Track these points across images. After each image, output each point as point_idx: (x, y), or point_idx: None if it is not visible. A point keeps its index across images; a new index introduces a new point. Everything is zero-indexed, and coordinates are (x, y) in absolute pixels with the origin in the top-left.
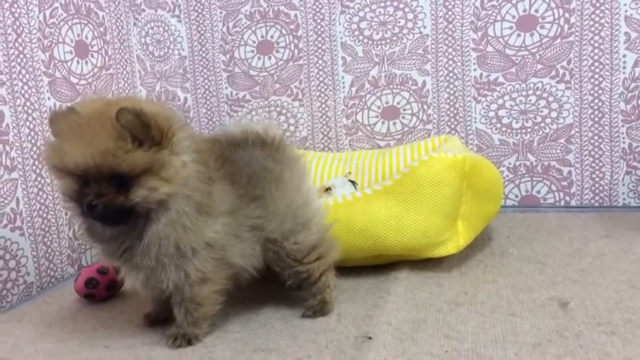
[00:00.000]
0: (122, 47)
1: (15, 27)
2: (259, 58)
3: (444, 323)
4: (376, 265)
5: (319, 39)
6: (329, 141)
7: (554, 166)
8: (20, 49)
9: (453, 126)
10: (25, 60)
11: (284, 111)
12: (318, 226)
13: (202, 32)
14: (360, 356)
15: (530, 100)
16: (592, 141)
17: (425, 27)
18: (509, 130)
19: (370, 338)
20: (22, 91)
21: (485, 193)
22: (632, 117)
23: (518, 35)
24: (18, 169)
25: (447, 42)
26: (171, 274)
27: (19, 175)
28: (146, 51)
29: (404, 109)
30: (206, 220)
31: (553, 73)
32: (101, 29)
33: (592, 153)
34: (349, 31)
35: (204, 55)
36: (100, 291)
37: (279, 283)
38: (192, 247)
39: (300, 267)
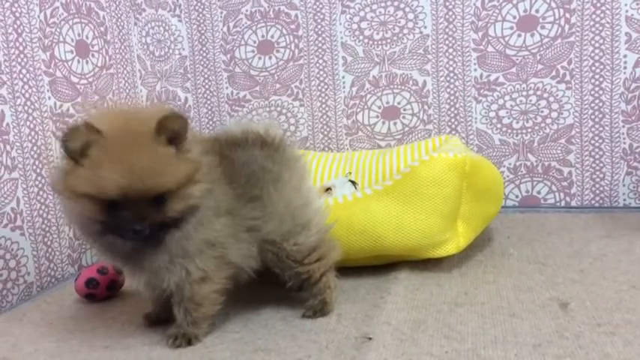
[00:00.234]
0: (123, 47)
1: (16, 26)
2: (260, 58)
3: (444, 324)
4: (376, 266)
5: (320, 39)
6: (329, 141)
7: (554, 167)
8: (21, 48)
9: (453, 126)
10: (25, 59)
11: (284, 111)
12: (318, 226)
13: (203, 32)
14: (360, 356)
15: (530, 101)
16: (592, 141)
17: (425, 27)
18: (509, 131)
19: (370, 339)
20: (23, 91)
21: (486, 193)
22: (633, 117)
23: (519, 35)
24: (18, 168)
25: (447, 42)
26: (174, 274)
27: (19, 175)
28: (147, 51)
29: (404, 109)
30: (210, 218)
31: (553, 73)
32: (102, 29)
33: (592, 153)
34: (350, 31)
35: (204, 54)
36: (100, 291)
37: (280, 283)
38: (197, 246)
39: (301, 268)
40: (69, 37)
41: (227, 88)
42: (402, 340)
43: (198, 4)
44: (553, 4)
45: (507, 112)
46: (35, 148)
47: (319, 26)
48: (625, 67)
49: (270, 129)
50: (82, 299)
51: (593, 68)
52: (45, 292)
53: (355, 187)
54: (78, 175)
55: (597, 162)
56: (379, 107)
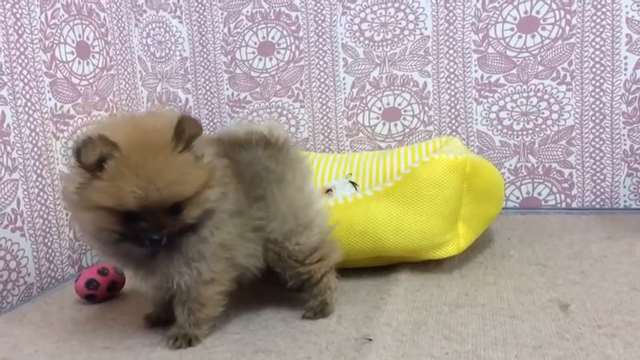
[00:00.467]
0: (123, 48)
1: (16, 27)
2: (260, 60)
3: (445, 325)
4: (376, 267)
5: (320, 40)
6: (330, 142)
7: (555, 168)
8: (22, 49)
9: (454, 127)
10: (26, 60)
11: (285, 112)
12: (320, 227)
13: (203, 33)
14: (361, 358)
15: (531, 102)
16: (593, 143)
17: (426, 28)
18: (510, 132)
19: (370, 340)
20: (24, 92)
21: (486, 194)
22: (634, 119)
23: (520, 37)
24: (19, 169)
25: (448, 43)
26: (186, 276)
27: (19, 176)
28: (147, 52)
29: (405, 111)
30: (225, 222)
31: (554, 74)
32: (102, 30)
33: (593, 155)
34: (350, 33)
35: (205, 56)
36: (100, 292)
37: (280, 284)
38: (213, 249)
39: (302, 268)
40: (70, 39)
41: (228, 89)
42: (402, 341)
43: (199, 6)
44: (554, 6)
45: (508, 114)
46: (36, 149)
47: (320, 27)
48: (625, 69)
49: (274, 130)
50: (82, 300)
51: (594, 70)
52: (45, 293)
53: (356, 189)
54: (95, 187)
55: (598, 163)
56: (380, 108)
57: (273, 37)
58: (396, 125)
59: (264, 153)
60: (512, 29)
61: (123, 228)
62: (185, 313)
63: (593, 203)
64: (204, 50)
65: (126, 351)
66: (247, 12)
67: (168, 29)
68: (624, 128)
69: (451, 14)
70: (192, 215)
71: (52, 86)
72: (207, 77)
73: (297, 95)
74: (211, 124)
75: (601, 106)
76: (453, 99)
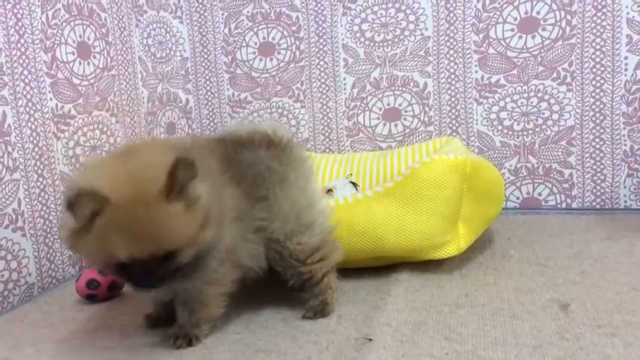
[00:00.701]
0: (124, 48)
1: (17, 28)
2: (261, 60)
3: (445, 325)
4: (377, 267)
5: (321, 40)
6: (330, 142)
7: (555, 169)
8: (22, 49)
9: (454, 128)
10: (27, 61)
11: (285, 112)
12: (322, 227)
13: (204, 34)
14: (361, 358)
15: (531, 102)
16: (593, 143)
17: (426, 29)
18: (510, 132)
19: (370, 340)
20: (25, 92)
21: (487, 195)
22: (634, 119)
23: (520, 37)
24: (20, 169)
25: (448, 44)
26: (194, 280)
27: (20, 176)
28: (148, 52)
29: (405, 111)
30: (229, 229)
31: (554, 75)
32: (103, 30)
33: (593, 155)
34: (351, 33)
35: (205, 56)
36: (101, 292)
37: (281, 284)
38: (218, 255)
39: (303, 268)
40: (70, 39)
41: (228, 89)
42: (402, 341)
43: (200, 6)
44: (554, 6)
45: (508, 114)
46: (37, 150)
47: (320, 28)
48: (626, 69)
49: (277, 130)
50: (83, 300)
51: (594, 70)
52: (46, 293)
53: (356, 189)
54: (86, 241)
55: (598, 164)
56: (380, 109)
57: (273, 38)
58: (396, 125)
59: (266, 153)
60: (512, 30)
61: (115, 273)
62: (186, 313)
63: (594, 204)
64: (205, 50)
65: (127, 351)
66: (248, 12)
67: (168, 30)
68: (624, 129)
69: (451, 15)
70: (186, 259)
71: (53, 86)
72: (207, 77)
73: (297, 95)
74: (212, 124)
75: (601, 106)
76: (453, 99)
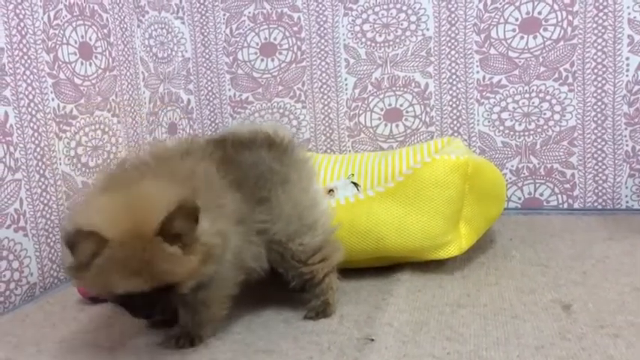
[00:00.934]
0: (126, 49)
1: (19, 28)
2: (262, 60)
3: (446, 325)
4: (378, 267)
5: (322, 41)
6: (332, 143)
7: (557, 169)
8: (25, 50)
9: (455, 128)
10: (29, 61)
11: (287, 113)
12: (323, 227)
13: (206, 34)
14: (362, 358)
15: (533, 103)
16: (595, 144)
17: (428, 29)
18: (512, 133)
19: (372, 340)
20: (27, 92)
21: (488, 195)
22: (635, 120)
23: (522, 38)
24: (22, 169)
25: (449, 44)
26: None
27: (22, 176)
28: (150, 52)
29: (407, 112)
30: (231, 235)
31: (556, 75)
32: (105, 31)
33: (595, 156)
34: (352, 33)
35: (207, 56)
36: None
37: (282, 284)
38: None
39: (305, 268)
40: (72, 39)
41: (230, 90)
42: (404, 341)
43: (201, 7)
44: (555, 7)
45: (510, 115)
46: (39, 150)
47: (322, 28)
48: (627, 70)
49: (279, 130)
50: (84, 300)
51: (596, 70)
52: (48, 293)
53: (357, 189)
54: (85, 277)
55: (600, 164)
56: (381, 109)
57: (275, 38)
58: (397, 126)
59: (268, 154)
60: (514, 30)
61: (117, 304)
62: (189, 315)
63: (595, 204)
64: (207, 51)
65: (128, 351)
66: (249, 13)
67: (170, 30)
68: (626, 129)
69: (453, 15)
70: (186, 290)
71: (55, 87)
72: (209, 78)
73: (299, 96)
74: (213, 124)
75: (603, 107)
76: (454, 100)
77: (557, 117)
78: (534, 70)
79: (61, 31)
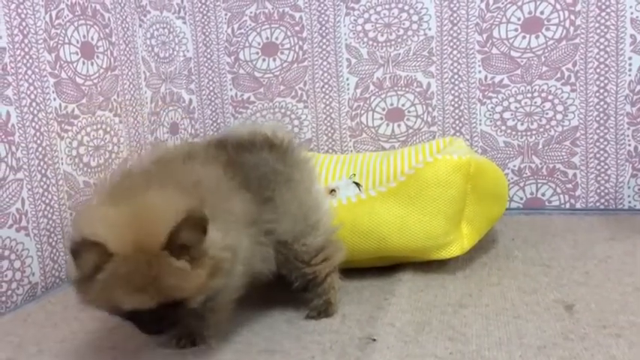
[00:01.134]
0: (127, 48)
1: (21, 28)
2: (264, 60)
3: (449, 325)
4: (380, 267)
5: (324, 41)
6: (333, 143)
7: (559, 169)
8: (26, 50)
9: (457, 128)
10: (31, 61)
11: (288, 112)
12: (325, 227)
13: (207, 34)
14: (364, 358)
15: (535, 103)
16: (597, 143)
17: (430, 29)
18: (514, 133)
19: (374, 340)
20: (28, 92)
21: (490, 195)
22: (638, 119)
23: (524, 37)
24: (23, 169)
25: (451, 44)
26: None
27: (24, 176)
28: (151, 52)
29: (408, 111)
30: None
31: (558, 75)
32: (107, 30)
33: (597, 155)
34: (354, 33)
35: (209, 56)
36: None
37: (284, 284)
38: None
39: (308, 269)
40: (74, 39)
41: (231, 89)
42: (406, 341)
43: (203, 6)
44: (558, 6)
45: (512, 114)
46: (40, 149)
47: (323, 28)
48: (630, 70)
49: (278, 131)
50: None
51: (598, 70)
52: (49, 293)
53: (359, 189)
54: (89, 291)
55: (602, 164)
56: (383, 109)
57: (276, 38)
58: (399, 126)
59: (270, 155)
60: (516, 30)
61: (122, 318)
62: (193, 318)
63: (597, 204)
64: (208, 51)
65: (130, 351)
66: (251, 13)
67: (172, 30)
68: (628, 129)
69: (455, 15)
70: (194, 304)
71: (57, 86)
72: (210, 78)
73: (300, 96)
74: (215, 124)
75: (605, 106)
76: (456, 99)
77: (559, 117)
78: (536, 70)
79: (63, 31)
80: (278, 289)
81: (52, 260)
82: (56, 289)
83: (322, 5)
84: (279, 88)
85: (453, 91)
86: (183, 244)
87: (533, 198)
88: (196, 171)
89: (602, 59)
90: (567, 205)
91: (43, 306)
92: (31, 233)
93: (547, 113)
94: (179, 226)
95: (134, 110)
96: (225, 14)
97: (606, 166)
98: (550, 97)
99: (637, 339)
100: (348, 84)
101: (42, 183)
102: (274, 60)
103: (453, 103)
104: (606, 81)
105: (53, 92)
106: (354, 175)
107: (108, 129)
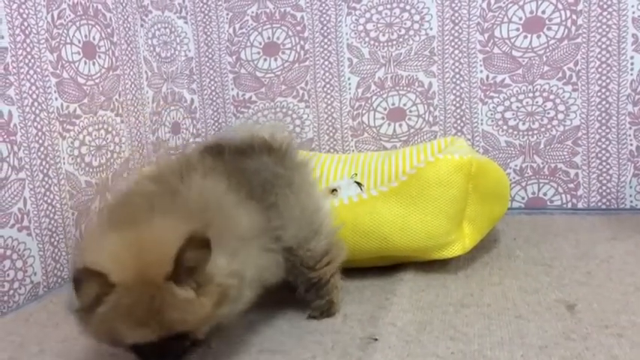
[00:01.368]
0: (129, 48)
1: (23, 27)
2: (265, 60)
3: (450, 325)
4: (382, 267)
5: (325, 40)
6: (335, 142)
7: (560, 168)
8: (28, 49)
9: (459, 128)
10: (33, 60)
11: (290, 112)
12: (327, 229)
13: (209, 33)
14: (366, 357)
15: (536, 102)
16: (599, 143)
17: (431, 28)
18: (515, 132)
19: (376, 340)
20: (30, 92)
21: (492, 194)
22: None
23: (525, 37)
24: (25, 169)
25: (453, 43)
26: None
27: (26, 175)
28: (153, 52)
29: (410, 111)
30: (248, 251)
31: (560, 74)
32: (108, 30)
33: (599, 155)
34: (355, 33)
35: (210, 56)
36: None
37: (286, 285)
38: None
39: (313, 273)
40: (76, 39)
41: (233, 89)
42: (407, 341)
43: (204, 6)
44: (559, 6)
45: (513, 114)
46: (42, 149)
47: (325, 28)
48: (632, 69)
49: (276, 133)
50: None
51: (600, 70)
52: (51, 293)
53: (361, 189)
54: (91, 322)
55: (604, 164)
56: (385, 109)
57: (278, 38)
58: (401, 125)
59: (269, 159)
60: (517, 29)
61: (125, 351)
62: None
63: (599, 204)
64: (210, 50)
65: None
66: (252, 12)
67: (173, 29)
68: (630, 128)
69: (456, 14)
70: (200, 335)
71: (59, 86)
72: (212, 77)
73: (302, 95)
74: (216, 124)
75: (607, 106)
76: (458, 99)
77: (561, 116)
78: (538, 70)
79: (65, 31)
80: (278, 289)
81: (53, 260)
82: (58, 289)
83: (324, 5)
84: (281, 87)
85: (454, 91)
86: (189, 266)
87: (534, 198)
88: (197, 188)
89: (603, 59)
90: (569, 205)
91: (44, 306)
92: (32, 233)
93: (549, 113)
94: (183, 248)
95: (136, 110)
96: (227, 14)
97: (608, 166)
98: (552, 96)
99: (639, 339)
100: (349, 84)
101: (44, 183)
102: (276, 60)
103: (454, 102)
104: (608, 80)
105: (55, 92)
106: (356, 174)
107: (110, 129)
